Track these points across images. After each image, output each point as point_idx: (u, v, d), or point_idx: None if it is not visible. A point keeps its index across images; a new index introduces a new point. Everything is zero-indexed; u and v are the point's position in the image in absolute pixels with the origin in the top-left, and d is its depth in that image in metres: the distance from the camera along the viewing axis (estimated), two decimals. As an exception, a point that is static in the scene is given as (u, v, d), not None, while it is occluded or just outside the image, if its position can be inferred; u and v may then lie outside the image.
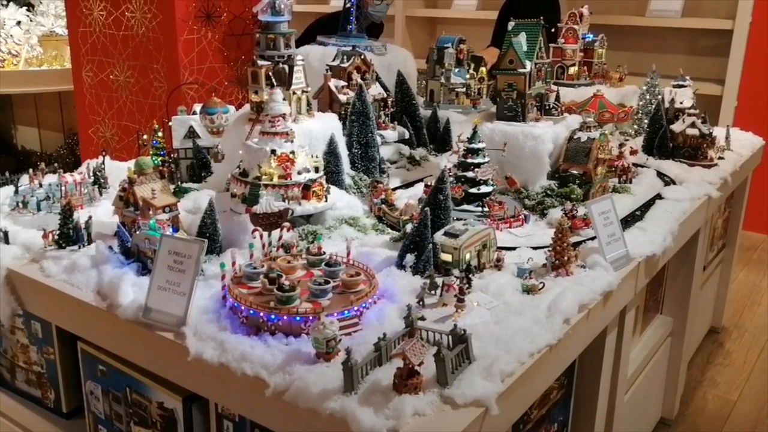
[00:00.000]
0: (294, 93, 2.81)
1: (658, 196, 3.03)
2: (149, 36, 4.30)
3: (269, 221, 2.11)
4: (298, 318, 1.77)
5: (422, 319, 1.82)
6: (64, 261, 2.24)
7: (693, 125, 3.55)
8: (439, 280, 1.96)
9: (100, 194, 2.78)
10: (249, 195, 2.29)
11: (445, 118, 3.71)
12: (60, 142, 6.91)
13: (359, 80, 3.28)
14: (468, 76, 3.83)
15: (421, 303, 1.93)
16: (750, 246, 6.03)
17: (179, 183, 3.08)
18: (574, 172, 2.91)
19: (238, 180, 2.36)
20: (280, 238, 2.12)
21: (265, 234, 2.09)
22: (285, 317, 1.76)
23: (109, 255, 2.20)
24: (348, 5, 3.95)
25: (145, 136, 3.27)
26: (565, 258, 2.20)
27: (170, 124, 3.13)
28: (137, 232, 2.22)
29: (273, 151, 2.32)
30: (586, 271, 2.21)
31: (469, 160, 2.70)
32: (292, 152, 2.34)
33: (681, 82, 4.02)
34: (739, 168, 3.71)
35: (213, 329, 1.81)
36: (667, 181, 3.31)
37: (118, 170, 3.11)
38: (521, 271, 2.16)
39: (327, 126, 2.89)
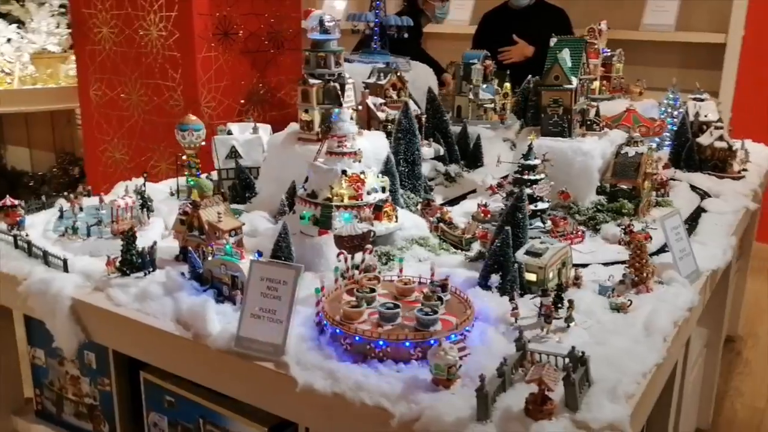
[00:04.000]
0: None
1: (701, 209, 3.06)
2: (165, 54, 4.22)
3: (353, 243, 2.07)
4: (407, 344, 1.72)
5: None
6: (132, 288, 2.16)
7: (721, 138, 3.60)
8: (537, 301, 1.93)
9: (148, 217, 2.69)
10: (321, 217, 2.24)
11: (474, 134, 3.70)
12: (52, 162, 6.73)
13: (404, 97, 3.26)
14: (496, 91, 3.85)
15: (514, 321, 1.90)
16: (761, 257, 6.12)
17: (220, 204, 3.02)
18: (624, 186, 2.92)
19: (307, 201, 2.31)
20: (363, 260, 2.08)
21: (349, 257, 2.04)
22: (381, 342, 1.72)
23: (182, 282, 2.12)
24: (372, 24, 3.92)
25: (184, 157, 3.19)
26: (645, 274, 2.20)
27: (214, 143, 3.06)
28: (210, 258, 2.15)
29: (344, 172, 2.27)
30: (664, 287, 2.21)
31: (526, 177, 2.68)
32: (363, 172, 2.30)
33: (699, 96, 4.09)
34: (764, 179, 3.78)
35: (316, 357, 1.75)
36: (701, 193, 3.35)
37: (153, 192, 3.02)
38: (604, 288, 2.14)
39: (376, 144, 2.86)
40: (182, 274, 2.16)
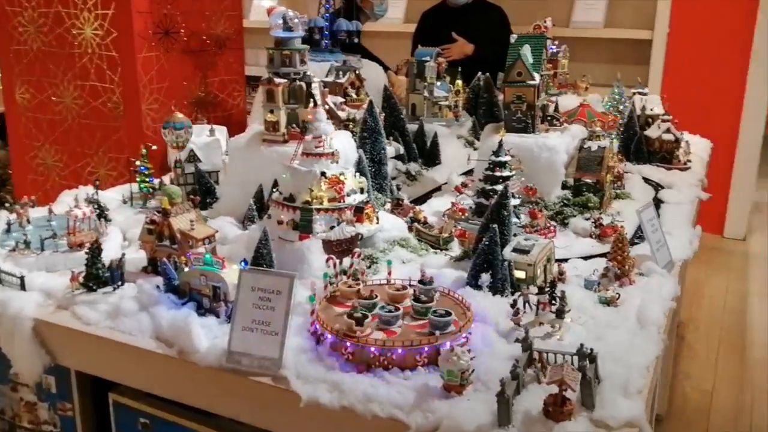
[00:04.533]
0: (312, 111, 2.68)
1: (659, 201, 3.13)
2: (102, 54, 3.99)
3: (342, 248, 2.00)
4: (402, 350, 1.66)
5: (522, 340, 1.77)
6: (101, 305, 2.01)
7: (668, 131, 3.71)
8: (533, 299, 1.91)
9: (105, 228, 2.53)
10: (301, 221, 2.15)
11: (430, 132, 3.67)
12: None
13: (363, 96, 3.19)
14: (449, 89, 3.83)
15: (517, 324, 1.88)
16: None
17: (178, 211, 2.87)
18: (588, 180, 2.95)
19: (284, 206, 2.21)
20: (352, 265, 2.00)
21: (338, 262, 1.96)
22: (400, 350, 1.65)
23: (158, 295, 1.99)
24: (322, 18, 3.84)
25: (138, 162, 3.02)
26: (627, 267, 2.22)
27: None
28: (187, 269, 2.03)
29: (323, 173, 2.19)
30: (645, 279, 2.23)
31: (497, 174, 2.66)
32: (342, 173, 2.23)
33: (641, 90, 4.20)
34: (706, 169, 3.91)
35: (318, 369, 1.67)
36: (654, 185, 3.43)
37: (104, 200, 2.84)
38: (590, 283, 2.15)
39: (344, 144, 2.77)
40: (157, 287, 2.02)
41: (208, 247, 2.19)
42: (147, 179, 3.01)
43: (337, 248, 2.01)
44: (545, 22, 4.26)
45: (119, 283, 2.10)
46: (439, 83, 3.81)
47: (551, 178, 2.92)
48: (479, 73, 4.26)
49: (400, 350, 1.65)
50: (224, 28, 4.46)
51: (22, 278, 2.10)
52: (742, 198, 6.60)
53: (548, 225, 2.65)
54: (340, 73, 3.28)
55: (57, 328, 1.98)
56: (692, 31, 6.52)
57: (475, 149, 3.95)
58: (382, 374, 1.64)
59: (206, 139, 2.93)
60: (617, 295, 2.06)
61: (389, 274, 2.04)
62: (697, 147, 4.33)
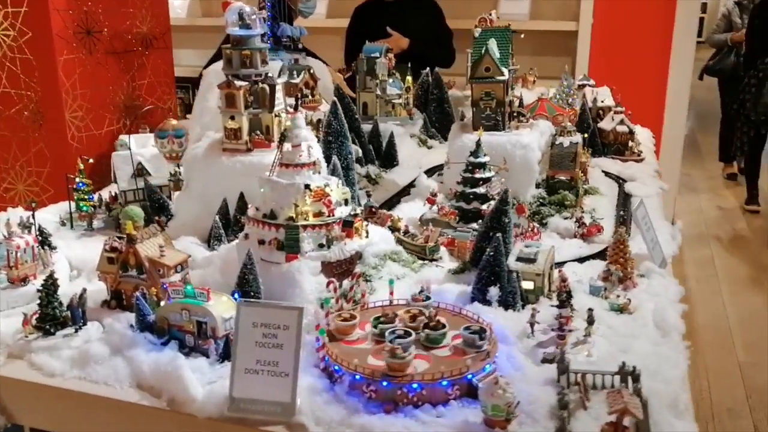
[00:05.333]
0: (277, 116, 2.46)
1: (628, 195, 3.08)
2: (14, 57, 3.58)
3: (342, 269, 1.80)
4: (445, 383, 1.50)
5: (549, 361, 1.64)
6: (64, 351, 1.73)
7: (622, 122, 3.69)
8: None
9: (50, 257, 2.22)
10: (287, 240, 1.93)
11: (385, 132, 3.49)
12: None
13: (317, 96, 2.98)
14: (401, 86, 3.68)
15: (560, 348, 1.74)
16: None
17: (127, 231, 2.58)
18: (563, 178, 2.86)
19: (264, 224, 1.98)
20: (352, 288, 1.81)
21: (338, 285, 1.76)
22: (429, 385, 1.48)
23: (132, 335, 1.73)
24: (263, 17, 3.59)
25: (76, 179, 2.69)
26: (629, 269, 2.13)
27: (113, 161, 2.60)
28: (163, 303, 1.78)
29: (307, 186, 1.97)
30: (647, 280, 2.15)
31: (477, 176, 2.53)
32: (327, 184, 2.02)
33: (586, 82, 4.19)
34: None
35: (339, 412, 1.47)
36: (614, 178, 3.40)
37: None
38: (596, 288, 2.04)
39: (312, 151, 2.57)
40: (131, 326, 1.76)
41: (182, 274, 1.94)
42: (86, 197, 2.70)
43: (338, 270, 1.81)
44: (491, 15, 4.17)
45: (81, 323, 1.82)
46: (391, 80, 3.64)
47: (526, 177, 2.81)
48: (427, 68, 4.14)
49: (415, 385, 1.48)
50: (150, 27, 4.12)
51: (-38, 325, 1.78)
52: (668, 186, 6.78)
53: (531, 227, 2.53)
54: (294, 72, 3.05)
55: (12, 383, 1.69)
56: (616, 21, 6.64)
57: (429, 148, 3.82)
58: (413, 413, 1.46)
59: (154, 150, 2.65)
60: (628, 301, 1.96)
61: (391, 294, 1.86)
62: (640, 137, 4.36)
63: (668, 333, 1.82)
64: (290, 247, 1.93)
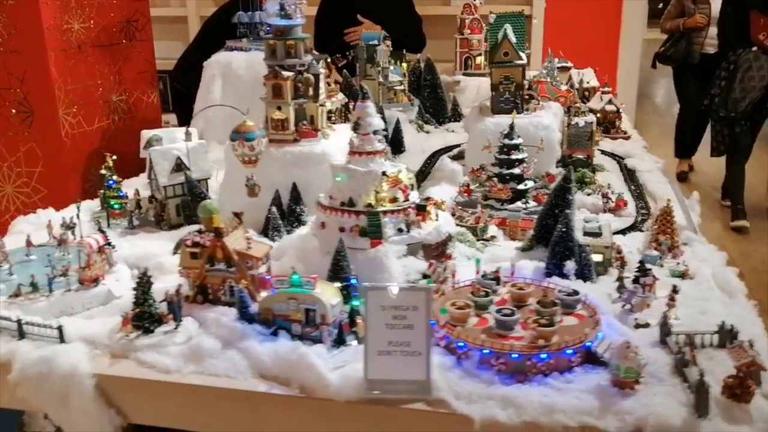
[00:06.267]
0: (321, 105, 2.48)
1: (632, 171, 3.25)
2: (2, 52, 3.42)
3: (438, 251, 1.86)
4: (569, 352, 1.59)
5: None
6: (171, 348, 1.72)
7: (610, 102, 3.87)
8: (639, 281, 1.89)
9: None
10: (370, 226, 1.97)
11: (390, 119, 3.54)
12: None
13: (334, 86, 3.01)
14: (402, 73, 3.73)
15: (629, 308, 1.86)
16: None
17: (166, 226, 2.55)
18: (580, 156, 3.00)
19: (343, 211, 2.01)
20: (445, 268, 1.87)
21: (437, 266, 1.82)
22: (556, 353, 1.57)
23: (242, 328, 1.74)
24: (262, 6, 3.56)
25: (104, 172, 2.63)
26: (675, 238, 2.28)
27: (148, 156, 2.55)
28: (266, 294, 1.79)
29: (384, 173, 2.02)
30: (690, 248, 2.30)
31: (513, 157, 2.63)
32: (399, 171, 2.07)
33: (565, 64, 4.36)
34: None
35: (476, 386, 1.54)
36: (610, 155, 3.57)
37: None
38: (652, 258, 2.17)
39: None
40: (238, 319, 1.77)
41: (266, 265, 1.96)
42: (117, 194, 2.64)
43: (435, 252, 1.87)
44: (475, 0, 4.29)
45: (181, 319, 1.81)
46: (392, 67, 3.69)
47: (549, 156, 2.92)
48: (419, 54, 4.21)
49: (544, 355, 1.57)
50: (132, 16, 4.00)
51: (60, 328, 1.74)
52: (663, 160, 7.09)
53: (564, 204, 2.64)
54: (314, 61, 3.05)
55: (125, 382, 1.67)
56: (568, 5, 6.87)
57: (426, 133, 3.89)
58: (544, 381, 1.55)
59: (192, 144, 2.61)
60: (687, 267, 2.11)
61: (477, 273, 1.94)
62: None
63: (734, 294, 1.97)
64: (374, 233, 1.98)
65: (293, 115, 2.42)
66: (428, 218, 2.09)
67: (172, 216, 2.54)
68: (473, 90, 4.15)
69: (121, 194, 2.65)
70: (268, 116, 2.43)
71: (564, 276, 2.01)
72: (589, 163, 3.01)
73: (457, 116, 4.01)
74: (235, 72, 3.44)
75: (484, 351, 1.59)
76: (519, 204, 2.54)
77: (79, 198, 2.75)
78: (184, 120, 4.29)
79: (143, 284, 1.80)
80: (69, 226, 2.33)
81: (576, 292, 1.76)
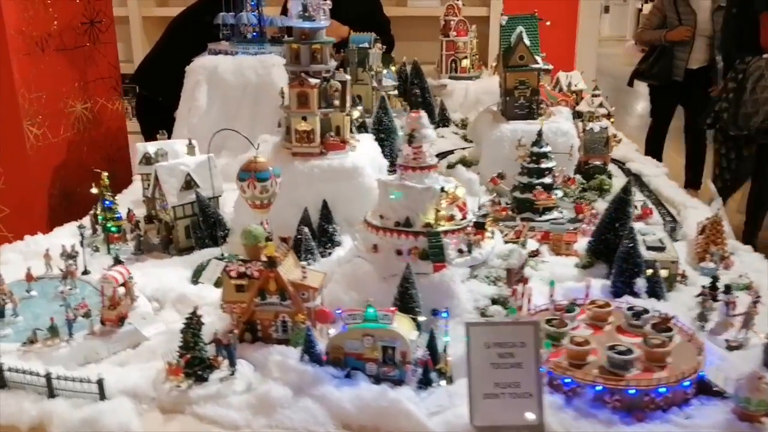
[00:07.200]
0: (348, 114, 2.29)
1: (636, 176, 3.18)
2: (-46, 58, 3.06)
3: (519, 275, 1.70)
4: (686, 384, 1.47)
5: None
6: (232, 398, 1.50)
7: (601, 105, 3.81)
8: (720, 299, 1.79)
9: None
10: (432, 248, 1.79)
11: (386, 125, 3.37)
12: None
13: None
14: (395, 77, 3.57)
15: (712, 327, 1.76)
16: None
17: (175, 250, 2.29)
18: (597, 162, 2.91)
19: (399, 232, 1.83)
20: (523, 294, 1.72)
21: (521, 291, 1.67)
22: (675, 386, 1.45)
23: (313, 371, 1.53)
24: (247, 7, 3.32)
25: (94, 190, 2.35)
26: (725, 248, 2.20)
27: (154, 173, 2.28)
28: (333, 332, 1.59)
29: (442, 189, 1.85)
30: (737, 257, 2.23)
31: (542, 165, 2.50)
32: (456, 186, 1.90)
33: (545, 67, 4.29)
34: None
35: (593, 427, 1.39)
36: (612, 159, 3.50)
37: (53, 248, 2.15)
38: (709, 270, 2.09)
39: (372, 149, 2.43)
40: (302, 359, 1.56)
41: (317, 295, 1.75)
42: (115, 216, 2.36)
43: (517, 276, 1.71)
44: (457, 1, 4.17)
45: (236, 363, 1.59)
46: (385, 71, 3.51)
47: (567, 163, 2.82)
48: (404, 57, 4.05)
49: (662, 389, 1.44)
50: (95, 16, 3.68)
51: (100, 382, 1.48)
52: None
53: (594, 214, 2.54)
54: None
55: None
56: (525, 6, 6.85)
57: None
58: (665, 417, 1.42)
59: (198, 159, 2.36)
60: (750, 281, 2.03)
61: (551, 296, 1.79)
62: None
63: (805, 306, 1.89)
64: (436, 255, 1.80)
65: (318, 125, 2.22)
66: (486, 237, 1.93)
67: (182, 239, 2.29)
68: (461, 94, 4.03)
69: (118, 215, 2.38)
70: (292, 127, 2.22)
71: (635, 294, 1.89)
72: (605, 169, 2.92)
73: (445, 121, 3.87)
74: (221, 77, 3.18)
75: (597, 387, 1.44)
76: (556, 214, 2.42)
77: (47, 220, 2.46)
78: (148, 128, 3.99)
79: (193, 326, 1.56)
80: (71, 255, 2.05)
81: (667, 314, 1.64)
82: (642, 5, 16.82)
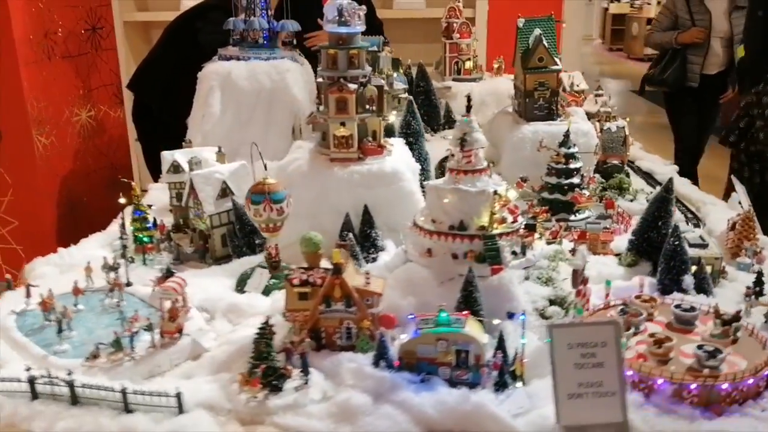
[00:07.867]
0: (384, 119, 2.29)
1: (649, 174, 3.24)
2: (-40, 66, 2.99)
3: (583, 276, 1.72)
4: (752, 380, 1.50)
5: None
6: (310, 408, 1.49)
7: (605, 104, 3.87)
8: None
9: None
10: (488, 251, 1.80)
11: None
12: None
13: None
14: (405, 80, 3.57)
15: (768, 322, 1.80)
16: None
17: (212, 259, 2.27)
18: (615, 162, 2.95)
19: (454, 236, 1.84)
20: (584, 294, 1.74)
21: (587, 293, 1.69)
22: (751, 380, 1.48)
23: (390, 377, 1.53)
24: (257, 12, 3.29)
25: (122, 200, 2.31)
26: (757, 243, 2.25)
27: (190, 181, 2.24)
28: (403, 338, 1.59)
29: (495, 192, 1.86)
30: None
31: (571, 166, 2.53)
32: (508, 189, 1.92)
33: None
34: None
35: (678, 424, 1.42)
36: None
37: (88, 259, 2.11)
38: (745, 266, 2.14)
39: (402, 154, 2.43)
40: (376, 365, 1.56)
41: (380, 300, 1.75)
42: (146, 225, 2.33)
43: (581, 277, 1.73)
44: (458, 2, 4.19)
45: (309, 372, 1.58)
46: (395, 74, 3.52)
47: (587, 163, 2.85)
48: (420, 60, 4.06)
49: (751, 380, 1.47)
50: (97, 23, 3.62)
51: (179, 396, 1.46)
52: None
53: (621, 212, 2.58)
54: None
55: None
56: (510, 7, 6.91)
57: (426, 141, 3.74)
58: (743, 411, 1.45)
59: (233, 166, 2.33)
60: (789, 274, 2.08)
61: (607, 296, 1.82)
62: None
63: None
64: (493, 258, 1.81)
65: (356, 131, 2.21)
66: (535, 238, 1.95)
67: (218, 247, 2.26)
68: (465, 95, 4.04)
69: (149, 225, 2.34)
70: (330, 133, 2.21)
71: (683, 291, 1.92)
72: (623, 168, 2.96)
73: (450, 123, 3.89)
74: (235, 82, 3.15)
75: (691, 385, 1.47)
76: (587, 213, 2.45)
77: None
78: (144, 134, 3.93)
79: (266, 336, 1.55)
80: (113, 268, 2.02)
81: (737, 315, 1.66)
82: (608, 5, 17.17)
